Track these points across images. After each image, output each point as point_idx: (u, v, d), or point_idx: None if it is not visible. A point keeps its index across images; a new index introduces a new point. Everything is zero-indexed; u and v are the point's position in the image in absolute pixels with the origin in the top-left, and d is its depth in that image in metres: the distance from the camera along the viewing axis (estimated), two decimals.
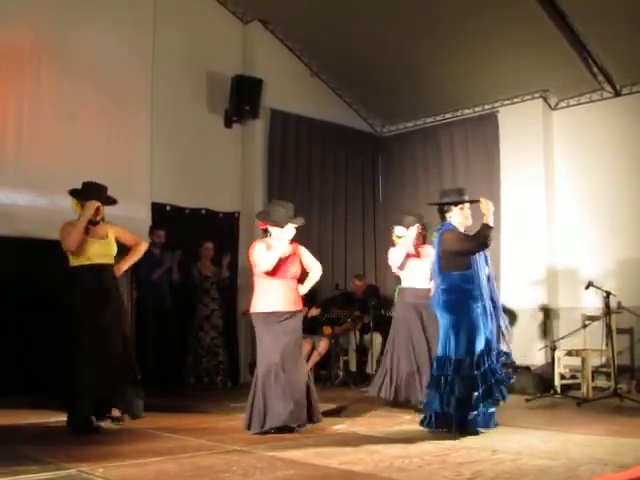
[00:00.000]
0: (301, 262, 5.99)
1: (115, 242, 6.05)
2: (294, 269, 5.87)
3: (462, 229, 5.82)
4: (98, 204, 5.91)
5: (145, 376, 8.34)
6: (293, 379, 5.69)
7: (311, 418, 5.80)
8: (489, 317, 5.62)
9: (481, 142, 10.39)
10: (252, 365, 9.68)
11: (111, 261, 6.02)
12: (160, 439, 5.48)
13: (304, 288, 6.02)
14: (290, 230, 5.80)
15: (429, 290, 6.92)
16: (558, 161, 9.95)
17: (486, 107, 10.47)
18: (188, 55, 9.88)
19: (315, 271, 6.07)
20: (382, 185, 11.77)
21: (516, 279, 9.76)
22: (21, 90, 8.35)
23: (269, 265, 5.76)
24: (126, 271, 8.24)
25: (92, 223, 5.92)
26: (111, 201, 6.13)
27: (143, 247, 6.25)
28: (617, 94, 9.44)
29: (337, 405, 7.26)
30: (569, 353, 8.66)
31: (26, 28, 8.37)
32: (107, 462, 4.51)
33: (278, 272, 5.82)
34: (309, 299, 7.80)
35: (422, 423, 5.70)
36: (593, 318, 8.65)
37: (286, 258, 5.84)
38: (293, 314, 5.83)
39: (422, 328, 6.98)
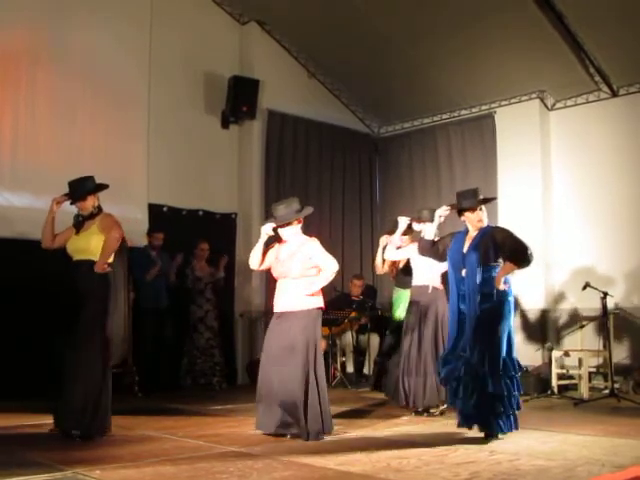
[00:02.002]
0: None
1: (100, 234, 5.63)
2: (295, 270, 5.59)
3: (474, 231, 5.78)
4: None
5: (142, 377, 8.45)
6: (273, 385, 5.48)
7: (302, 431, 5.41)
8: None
9: (478, 143, 10.40)
10: (249, 366, 9.71)
11: (86, 256, 5.59)
12: (157, 441, 5.46)
13: (311, 287, 5.58)
14: (263, 229, 5.71)
15: (427, 287, 6.92)
16: (555, 162, 9.95)
17: (483, 108, 10.47)
18: (185, 56, 9.88)
19: (324, 271, 5.62)
20: (379, 186, 11.77)
21: (513, 279, 9.72)
22: (17, 92, 8.34)
23: (250, 263, 5.86)
24: (121, 272, 8.29)
25: (79, 218, 5.72)
26: (77, 195, 5.69)
27: (110, 239, 5.59)
28: (614, 95, 9.44)
29: (334, 406, 7.23)
30: (566, 354, 8.67)
31: (23, 31, 8.35)
32: (104, 464, 4.51)
33: (275, 272, 5.76)
34: None
35: None
36: (590, 319, 8.67)
37: (283, 259, 5.72)
38: (287, 314, 5.59)
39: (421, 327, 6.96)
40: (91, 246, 5.61)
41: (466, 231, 5.79)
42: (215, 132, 10.28)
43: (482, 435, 5.45)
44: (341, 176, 11.27)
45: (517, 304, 9.63)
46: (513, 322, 5.70)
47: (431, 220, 6.36)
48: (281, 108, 10.56)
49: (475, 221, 5.71)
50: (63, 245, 5.76)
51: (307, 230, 5.96)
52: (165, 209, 9.55)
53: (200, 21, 10.11)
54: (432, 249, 5.98)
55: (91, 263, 5.57)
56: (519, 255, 5.58)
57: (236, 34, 10.55)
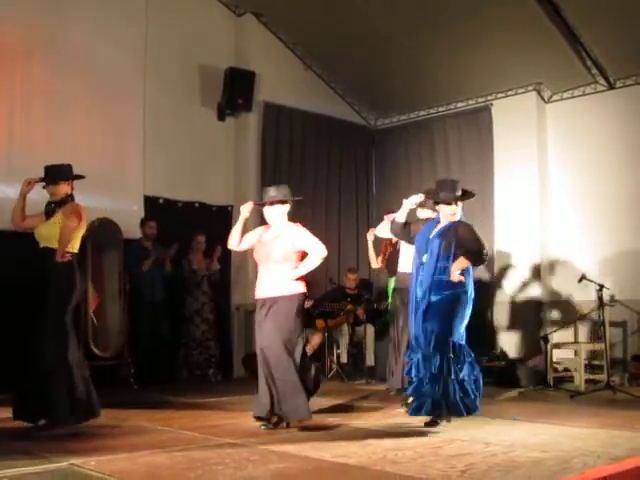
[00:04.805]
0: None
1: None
2: (277, 253, 5.54)
3: (446, 221, 5.80)
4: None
5: (138, 369, 8.44)
6: (260, 370, 5.53)
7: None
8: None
9: (475, 135, 10.38)
10: (244, 359, 9.71)
11: (51, 244, 5.53)
12: (152, 432, 5.47)
13: (296, 271, 5.55)
14: (242, 208, 5.72)
15: None
16: (552, 154, 9.94)
17: (480, 100, 10.46)
18: (181, 48, 9.83)
19: (312, 254, 5.57)
20: (376, 178, 11.75)
21: (509, 272, 9.78)
22: (13, 87, 8.31)
23: (228, 243, 5.87)
24: (116, 264, 8.25)
25: (51, 205, 5.67)
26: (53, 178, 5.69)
27: (65, 227, 5.53)
28: (611, 87, 9.43)
29: (330, 398, 7.24)
30: (562, 346, 8.68)
31: (17, 25, 8.32)
32: (99, 455, 4.51)
33: (257, 254, 5.73)
34: None
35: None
36: (586, 311, 8.68)
37: (266, 242, 5.68)
38: (270, 300, 5.53)
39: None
40: (56, 234, 5.55)
41: (438, 220, 5.86)
42: (211, 124, 10.25)
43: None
44: (337, 168, 11.25)
45: (514, 296, 9.69)
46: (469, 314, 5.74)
47: (431, 207, 6.38)
48: (277, 100, 10.53)
49: (449, 214, 5.77)
50: (32, 227, 5.71)
51: (302, 221, 5.94)
52: (161, 201, 9.52)
53: (196, 13, 10.05)
54: (403, 230, 6.07)
55: (53, 251, 5.51)
56: (474, 254, 5.66)
57: (232, 26, 10.50)
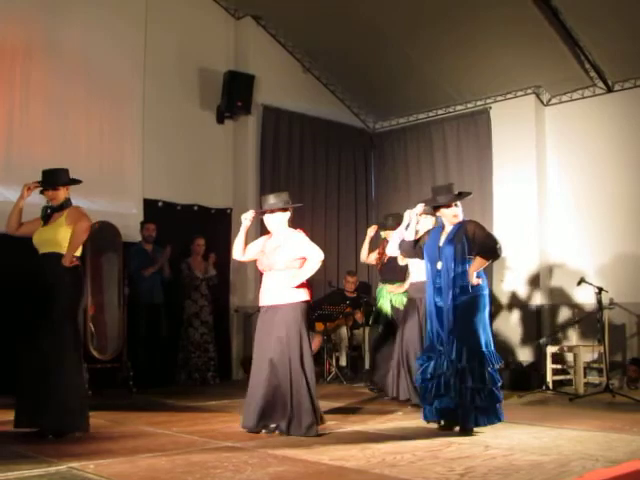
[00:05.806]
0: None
1: (68, 227, 5.46)
2: (279, 263, 5.53)
3: (450, 226, 5.78)
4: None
5: (137, 372, 8.43)
6: (257, 379, 5.50)
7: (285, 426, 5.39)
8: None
9: (473, 138, 10.39)
10: (244, 361, 9.71)
11: (53, 249, 5.43)
12: (151, 435, 5.46)
13: (296, 278, 5.50)
14: (243, 217, 5.69)
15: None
16: (550, 157, 9.95)
17: (478, 103, 10.47)
18: (180, 51, 9.85)
19: (309, 260, 5.51)
20: (375, 181, 11.76)
21: (508, 275, 9.78)
22: (12, 87, 8.31)
23: (233, 253, 5.89)
24: (116, 267, 8.22)
25: (47, 210, 5.61)
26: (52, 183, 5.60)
27: (78, 230, 5.43)
28: (609, 90, 9.45)
29: (329, 401, 7.24)
30: (561, 349, 8.69)
31: (17, 26, 8.33)
32: (98, 458, 4.50)
33: (260, 265, 5.71)
34: None
35: None
36: (585, 314, 8.68)
37: (268, 252, 5.67)
38: (273, 308, 5.52)
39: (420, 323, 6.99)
40: (59, 238, 5.47)
41: (442, 226, 5.82)
42: (210, 127, 10.26)
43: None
44: (336, 171, 11.27)
45: (512, 299, 9.68)
46: (489, 315, 5.71)
47: (430, 212, 6.31)
48: (276, 103, 10.54)
49: (450, 216, 5.73)
50: (28, 235, 5.63)
51: (301, 224, 5.94)
52: (160, 204, 9.53)
53: (195, 16, 10.08)
54: (415, 250, 5.97)
55: (59, 256, 5.42)
56: (488, 249, 5.60)
57: (231, 29, 10.53)
